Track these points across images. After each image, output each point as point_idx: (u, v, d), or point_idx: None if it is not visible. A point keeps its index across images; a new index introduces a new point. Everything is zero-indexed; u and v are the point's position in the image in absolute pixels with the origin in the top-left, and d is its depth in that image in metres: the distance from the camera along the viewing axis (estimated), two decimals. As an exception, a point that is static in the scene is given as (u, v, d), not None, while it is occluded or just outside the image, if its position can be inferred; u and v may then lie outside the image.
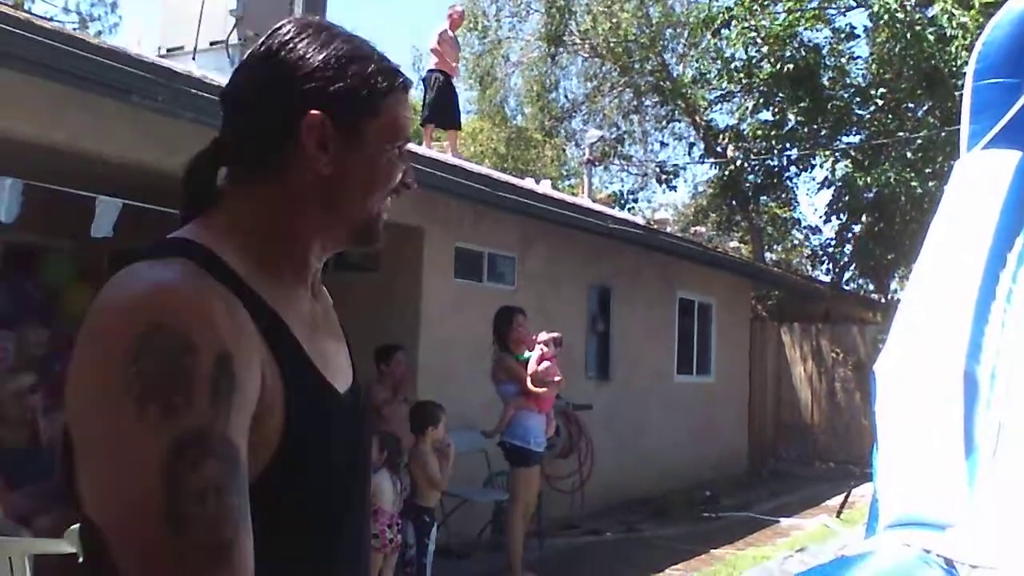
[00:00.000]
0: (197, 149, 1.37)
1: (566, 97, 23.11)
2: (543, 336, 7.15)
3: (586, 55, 21.79)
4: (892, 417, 4.23)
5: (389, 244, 5.62)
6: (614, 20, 19.62)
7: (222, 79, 8.21)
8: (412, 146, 9.71)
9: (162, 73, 5.22)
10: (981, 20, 12.28)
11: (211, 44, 9.28)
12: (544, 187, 11.52)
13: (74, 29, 22.55)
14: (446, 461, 6.11)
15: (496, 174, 9.68)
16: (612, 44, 19.95)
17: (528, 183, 11.10)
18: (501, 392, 7.03)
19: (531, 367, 6.95)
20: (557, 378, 7.06)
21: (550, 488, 8.65)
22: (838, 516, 10.16)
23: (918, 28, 13.64)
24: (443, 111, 11.31)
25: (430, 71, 11.45)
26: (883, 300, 18.79)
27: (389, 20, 58.16)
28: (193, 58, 9.11)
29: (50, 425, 5.41)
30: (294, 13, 10.15)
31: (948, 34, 12.95)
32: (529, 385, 6.89)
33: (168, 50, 9.50)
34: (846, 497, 10.41)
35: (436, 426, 6.07)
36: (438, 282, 8.28)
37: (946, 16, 12.88)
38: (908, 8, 13.86)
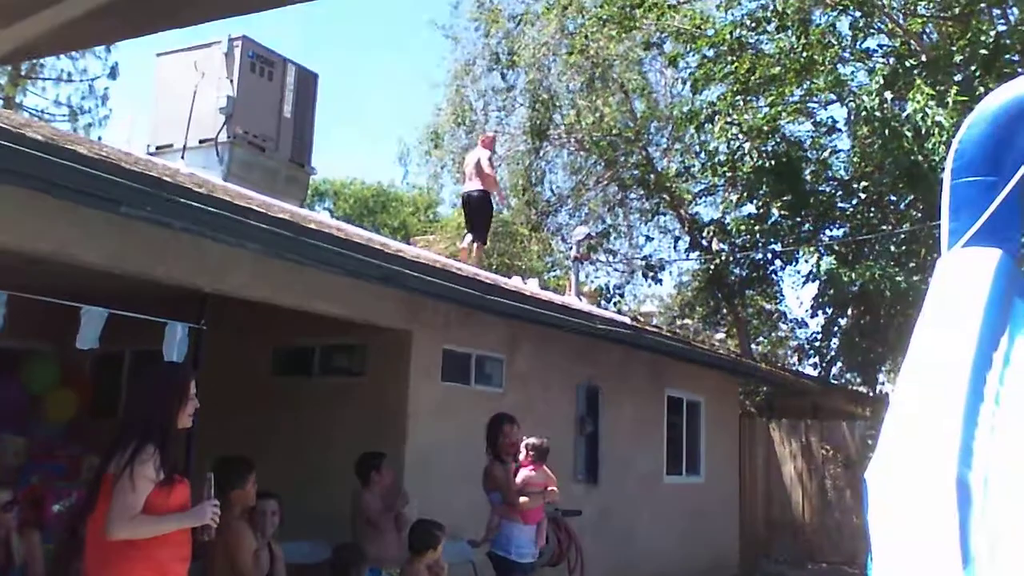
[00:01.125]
0: (185, 257, 1.35)
1: (551, 191, 23.33)
2: (525, 441, 7.03)
3: (571, 149, 22.07)
4: (886, 526, 4.17)
5: (377, 347, 5.59)
6: (598, 114, 19.91)
7: (212, 177, 8.29)
8: (402, 246, 9.76)
9: (151, 183, 5.23)
10: (956, 117, 12.51)
11: (200, 142, 9.36)
12: (532, 286, 11.55)
13: (64, 120, 22.78)
14: None
15: (484, 274, 9.69)
16: (596, 138, 20.22)
17: (515, 282, 11.12)
18: (490, 499, 6.91)
19: (516, 479, 6.83)
20: (551, 488, 6.93)
21: (540, 596, 8.46)
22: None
23: (895, 125, 13.86)
24: (478, 227, 12.32)
25: (478, 192, 12.36)
26: (871, 394, 18.73)
27: (377, 109, 59.07)
28: (182, 156, 9.18)
29: (24, 544, 5.26)
30: (283, 112, 10.31)
31: (925, 131, 13.15)
32: (512, 498, 6.76)
33: (158, 148, 9.57)
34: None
35: (435, 549, 5.98)
36: (425, 385, 8.22)
37: (920, 115, 13.10)
38: (885, 106, 14.10)
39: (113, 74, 24.81)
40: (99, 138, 21.53)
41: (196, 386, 4.27)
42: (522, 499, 6.78)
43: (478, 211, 12.49)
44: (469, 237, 12.57)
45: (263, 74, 9.53)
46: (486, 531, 6.80)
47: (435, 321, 8.31)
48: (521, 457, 6.97)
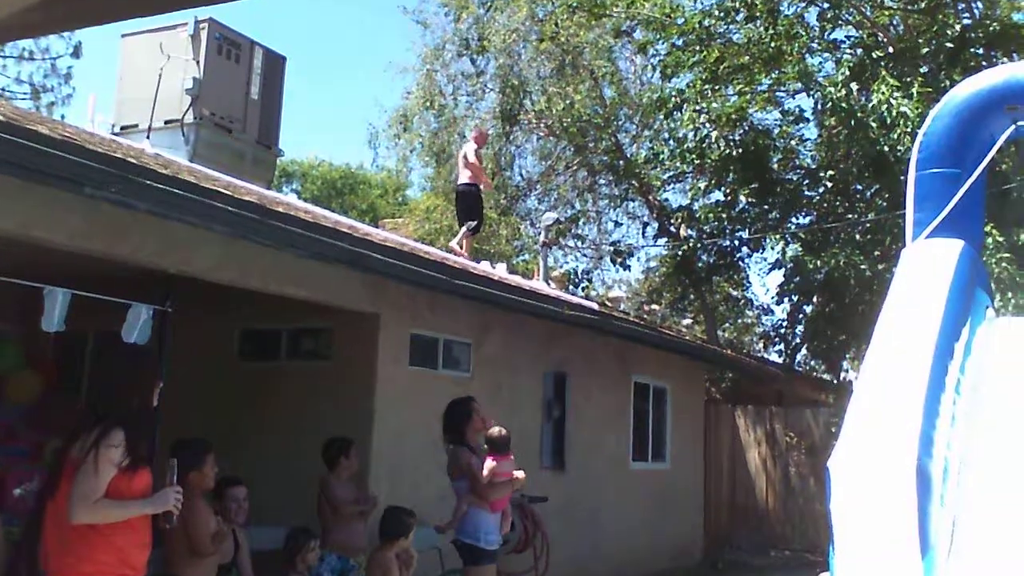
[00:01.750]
0: (150, 238, 1.34)
1: (521, 175, 23.32)
2: (490, 432, 7.03)
3: (541, 134, 22.06)
4: (848, 514, 4.23)
5: (344, 331, 5.57)
6: (568, 100, 19.91)
7: (178, 159, 8.21)
8: (370, 229, 9.73)
9: (116, 164, 5.17)
10: (920, 109, 12.63)
11: (166, 123, 9.28)
12: (500, 270, 11.55)
13: (25, 98, 22.44)
14: (407, 571, 5.98)
15: (452, 259, 9.68)
16: (566, 124, 20.22)
17: (484, 267, 11.13)
18: (455, 487, 6.89)
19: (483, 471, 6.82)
20: (517, 475, 6.93)
21: (505, 583, 8.49)
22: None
23: (861, 116, 13.98)
24: (469, 217, 12.76)
25: (467, 185, 12.87)
26: (835, 381, 18.93)
27: (345, 91, 58.70)
28: (148, 136, 9.10)
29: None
30: (250, 94, 10.23)
31: (890, 122, 13.28)
32: (481, 488, 6.75)
33: (123, 127, 9.48)
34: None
35: (407, 536, 5.98)
36: (393, 369, 8.20)
37: (884, 106, 13.22)
38: (852, 97, 14.21)
39: (76, 53, 24.45)
40: (62, 117, 21.25)
41: (162, 369, 4.24)
42: (493, 489, 6.77)
43: (464, 202, 12.93)
44: (462, 231, 12.94)
45: (230, 56, 9.47)
46: (453, 518, 6.78)
47: (403, 305, 8.30)
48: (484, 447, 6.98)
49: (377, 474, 7.74)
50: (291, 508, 6.75)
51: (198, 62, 9.15)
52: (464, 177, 13.00)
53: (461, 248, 12.52)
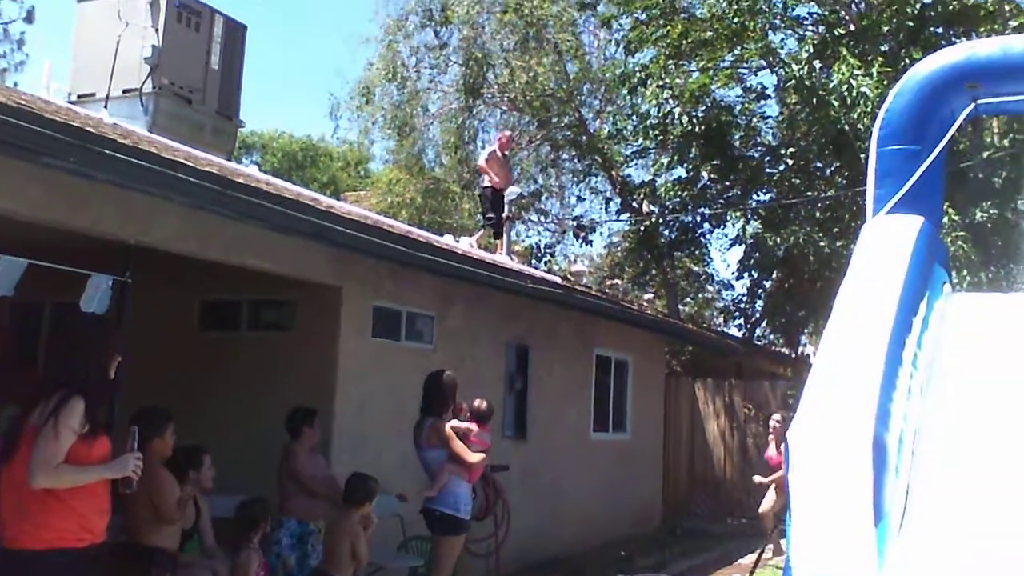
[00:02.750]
0: (110, 208, 1.34)
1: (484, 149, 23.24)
2: (470, 404, 7.16)
3: (504, 108, 22.00)
4: (806, 483, 4.31)
5: (306, 303, 5.55)
6: (531, 74, 19.86)
7: (137, 128, 8.10)
8: (332, 202, 9.68)
9: (75, 134, 5.09)
10: (880, 88, 12.76)
11: (124, 92, 9.13)
12: (464, 244, 11.56)
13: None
14: (365, 535, 6.02)
15: (416, 232, 9.66)
16: (530, 98, 20.18)
17: (447, 240, 11.12)
18: (428, 457, 6.93)
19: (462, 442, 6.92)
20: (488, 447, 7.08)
21: (465, 552, 8.55)
22: None
23: (822, 94, 14.10)
24: (492, 222, 13.19)
25: (483, 187, 13.50)
26: (794, 355, 19.19)
27: (306, 62, 58.11)
28: (105, 106, 8.94)
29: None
30: (211, 63, 10.09)
31: (850, 101, 13.40)
32: (469, 457, 6.84)
33: (79, 96, 9.31)
34: (759, 556, 10.50)
35: (371, 502, 6.02)
36: (355, 341, 8.19)
37: (845, 86, 13.34)
38: (814, 74, 14.32)
39: (30, 18, 24.00)
40: (15, 84, 20.85)
41: (121, 339, 4.22)
42: (476, 456, 6.88)
43: (489, 204, 13.33)
44: (480, 232, 13.60)
45: (190, 24, 9.32)
46: (434, 487, 6.81)
47: (366, 277, 8.27)
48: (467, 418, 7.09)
49: (339, 443, 7.75)
50: (251, 477, 6.75)
51: (157, 30, 8.99)
52: (485, 180, 13.47)
53: (474, 247, 12.75)
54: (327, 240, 7.06)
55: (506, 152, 14.17)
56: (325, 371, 7.93)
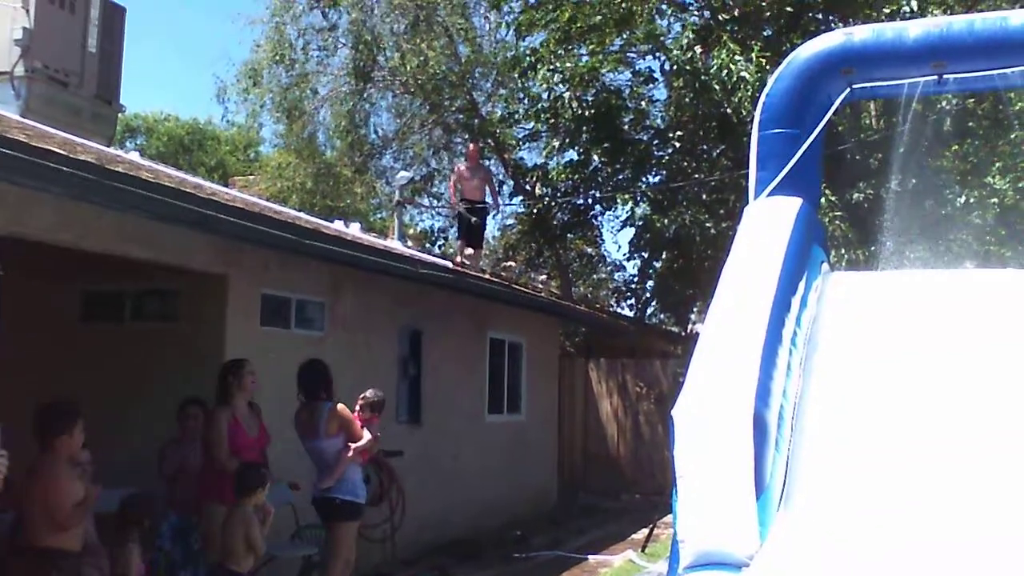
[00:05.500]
0: None
1: (376, 133, 23.03)
2: (367, 395, 7.16)
3: (396, 91, 21.81)
4: (689, 460, 4.43)
5: (191, 292, 5.44)
6: (422, 57, 19.73)
7: (8, 114, 7.79)
8: (217, 188, 9.46)
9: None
10: (760, 73, 13.10)
11: (-6, 75, 8.80)
12: (354, 230, 11.46)
13: None
14: (263, 527, 5.94)
15: (305, 218, 9.54)
16: (421, 81, 20.05)
17: (337, 226, 11.01)
18: (322, 446, 6.86)
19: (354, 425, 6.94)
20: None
21: (360, 537, 8.52)
22: (643, 551, 10.47)
23: (705, 78, 14.39)
24: (469, 233, 13.66)
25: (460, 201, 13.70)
26: (683, 333, 19.61)
27: (192, 42, 56.60)
28: (-28, 90, 8.60)
29: None
30: (88, 45, 9.77)
31: (731, 85, 13.72)
32: (365, 439, 6.90)
33: (-57, 79, 8.93)
34: (650, 531, 10.74)
35: (264, 488, 5.94)
36: (243, 329, 8.04)
37: (724, 71, 13.65)
38: (696, 59, 14.60)
39: None
40: None
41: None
42: (366, 439, 6.91)
43: (463, 219, 13.73)
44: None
45: (63, 6, 9.02)
46: (332, 476, 6.78)
47: (253, 265, 8.13)
48: (356, 409, 7.06)
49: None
50: (135, 471, 6.61)
51: (28, 11, 8.68)
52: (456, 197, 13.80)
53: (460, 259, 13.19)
54: (210, 229, 6.91)
55: (472, 165, 14.22)
56: (213, 361, 7.77)
